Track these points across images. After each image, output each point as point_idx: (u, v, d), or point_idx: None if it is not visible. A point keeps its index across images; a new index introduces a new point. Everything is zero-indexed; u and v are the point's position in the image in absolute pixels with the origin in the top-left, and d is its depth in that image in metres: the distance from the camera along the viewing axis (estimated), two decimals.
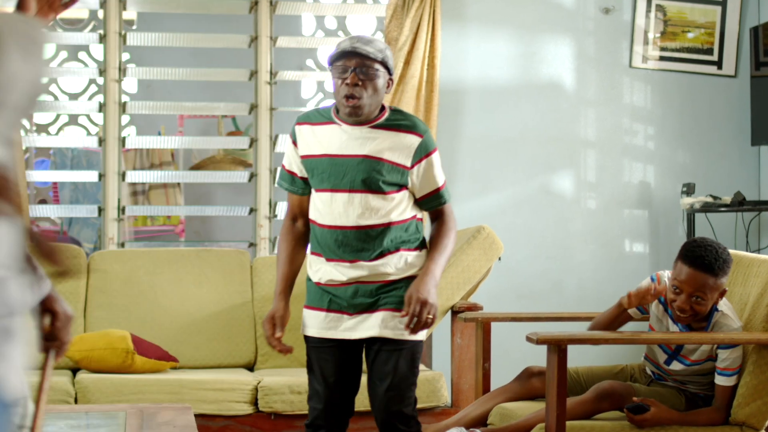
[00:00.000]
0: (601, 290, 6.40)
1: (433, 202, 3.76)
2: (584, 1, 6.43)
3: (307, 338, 3.83)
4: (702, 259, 4.00)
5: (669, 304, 4.12)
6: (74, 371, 5.37)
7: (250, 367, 5.56)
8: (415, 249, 3.74)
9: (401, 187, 3.69)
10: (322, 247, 3.74)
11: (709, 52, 6.49)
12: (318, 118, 3.78)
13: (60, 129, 8.11)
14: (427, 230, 3.85)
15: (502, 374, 4.84)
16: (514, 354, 5.68)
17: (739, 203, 6.10)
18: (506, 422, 4.22)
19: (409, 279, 3.71)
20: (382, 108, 3.74)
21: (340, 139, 3.70)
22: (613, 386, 4.08)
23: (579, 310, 6.14)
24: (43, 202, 7.97)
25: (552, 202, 6.42)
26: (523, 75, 6.39)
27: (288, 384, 5.07)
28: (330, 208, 3.71)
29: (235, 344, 5.54)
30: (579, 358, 4.78)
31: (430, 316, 3.62)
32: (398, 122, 3.70)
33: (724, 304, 4.11)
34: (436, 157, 3.73)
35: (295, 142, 3.79)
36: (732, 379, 4.06)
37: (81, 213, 6.46)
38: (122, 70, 6.18)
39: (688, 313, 4.03)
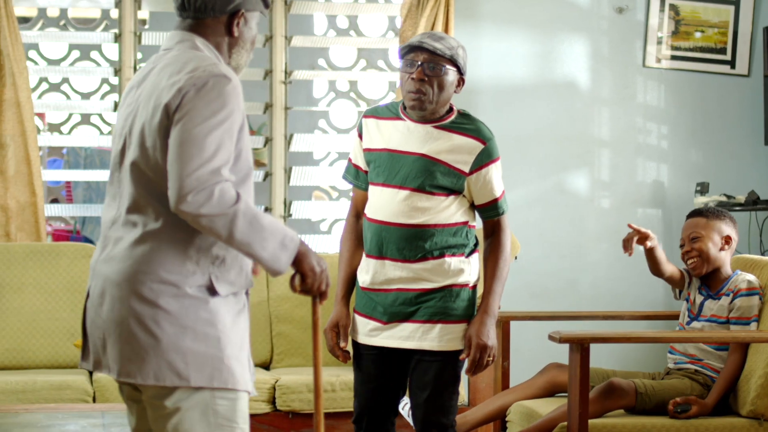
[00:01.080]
0: (614, 289, 6.41)
1: (489, 212, 3.69)
2: (598, 1, 6.43)
3: (354, 342, 3.82)
4: (693, 211, 4.43)
5: (685, 263, 4.39)
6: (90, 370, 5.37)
7: (267, 366, 5.57)
8: (461, 254, 3.67)
9: (453, 191, 3.63)
10: (368, 242, 3.71)
11: (722, 51, 6.50)
12: (385, 112, 3.75)
13: (72, 128, 8.12)
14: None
15: (515, 372, 4.85)
16: (526, 353, 5.69)
17: (753, 202, 6.11)
18: (526, 420, 4.24)
19: (451, 288, 3.65)
20: (451, 109, 3.70)
21: (401, 135, 3.67)
22: (614, 382, 4.12)
23: (592, 308, 6.14)
24: (55, 201, 7.98)
25: (566, 201, 6.42)
26: (537, 74, 6.40)
27: (305, 383, 5.08)
28: (379, 202, 3.68)
29: (252, 343, 5.52)
30: (602, 357, 4.80)
31: (490, 359, 3.64)
32: (463, 125, 3.66)
33: (747, 276, 4.28)
34: (496, 166, 3.66)
35: (360, 135, 3.77)
36: (746, 329, 4.14)
37: (96, 212, 6.47)
38: (137, 70, 6.19)
39: (693, 255, 4.30)
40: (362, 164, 3.77)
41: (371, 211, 3.71)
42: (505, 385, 4.58)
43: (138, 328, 2.64)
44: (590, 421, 3.87)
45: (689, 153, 6.51)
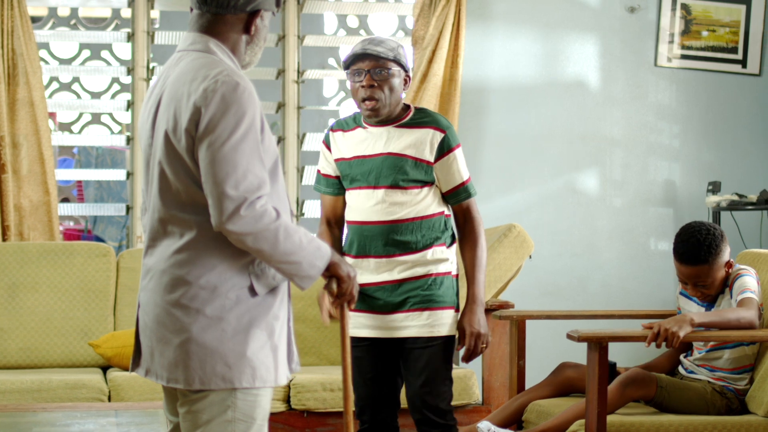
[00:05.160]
0: (626, 288, 6.42)
1: (459, 196, 3.82)
2: (610, 0, 6.44)
3: None
4: (688, 255, 4.16)
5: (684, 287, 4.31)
6: (104, 369, 5.39)
7: None
8: (442, 244, 3.80)
9: (426, 183, 3.76)
10: (354, 245, 3.82)
11: (734, 50, 6.50)
12: (350, 123, 3.89)
13: (82, 128, 8.13)
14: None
15: (527, 371, 4.85)
16: (537, 351, 5.69)
17: (765, 201, 6.12)
18: (543, 419, 4.24)
19: (435, 276, 3.77)
20: (407, 108, 3.83)
21: (366, 141, 3.82)
22: (635, 372, 4.15)
23: (604, 307, 6.15)
24: (65, 200, 7.99)
25: (577, 200, 6.44)
26: (549, 73, 6.41)
27: (320, 381, 5.08)
28: (359, 205, 3.81)
29: None
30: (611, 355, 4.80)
31: (484, 346, 3.78)
32: (421, 120, 3.79)
33: (738, 266, 4.23)
34: (459, 153, 3.80)
35: (329, 147, 3.90)
36: (748, 293, 4.10)
37: (109, 211, 6.49)
38: (150, 69, 6.20)
39: (701, 296, 4.22)
40: (331, 172, 3.90)
41: (351, 214, 3.85)
42: (521, 383, 4.59)
43: (182, 336, 2.69)
44: (608, 418, 3.88)
45: (701, 152, 6.52)
